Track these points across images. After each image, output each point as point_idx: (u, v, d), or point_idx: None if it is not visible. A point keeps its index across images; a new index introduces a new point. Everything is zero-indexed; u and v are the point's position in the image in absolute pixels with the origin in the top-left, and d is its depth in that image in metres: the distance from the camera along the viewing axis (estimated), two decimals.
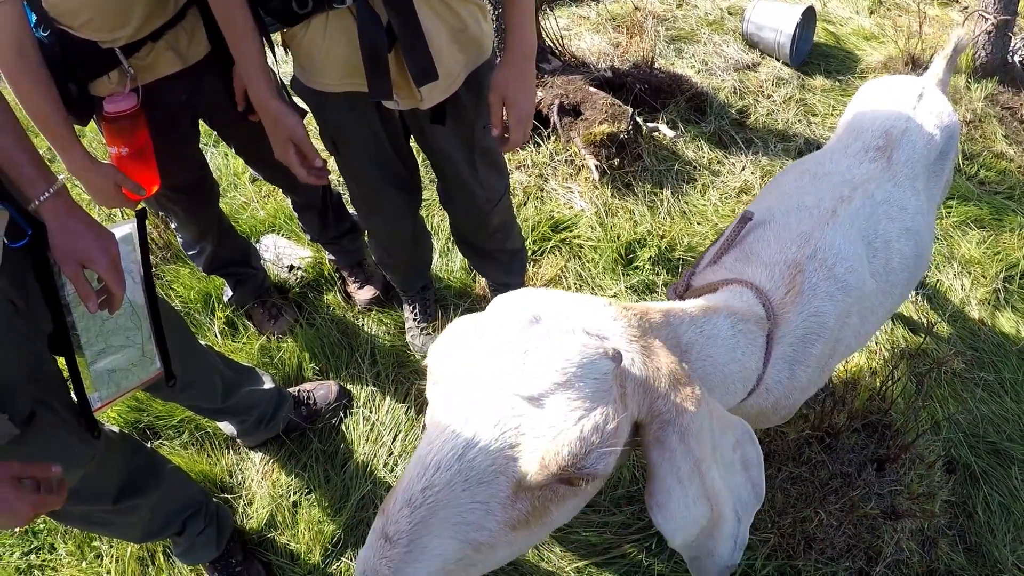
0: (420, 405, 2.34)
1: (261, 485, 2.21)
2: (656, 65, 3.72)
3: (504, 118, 1.60)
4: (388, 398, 2.39)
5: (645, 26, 3.96)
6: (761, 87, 3.73)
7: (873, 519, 2.01)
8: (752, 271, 1.32)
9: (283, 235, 2.95)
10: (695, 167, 3.21)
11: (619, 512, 2.08)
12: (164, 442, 2.32)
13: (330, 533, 2.08)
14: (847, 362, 2.44)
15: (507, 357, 0.85)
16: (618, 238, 2.84)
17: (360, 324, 2.62)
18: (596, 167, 3.05)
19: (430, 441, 0.84)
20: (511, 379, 0.84)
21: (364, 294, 2.66)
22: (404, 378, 2.44)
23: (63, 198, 1.23)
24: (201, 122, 1.99)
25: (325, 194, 2.43)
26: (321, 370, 2.50)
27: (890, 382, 2.21)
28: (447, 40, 1.52)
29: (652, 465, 0.92)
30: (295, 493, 2.18)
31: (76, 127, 1.60)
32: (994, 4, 3.65)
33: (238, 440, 2.27)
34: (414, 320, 2.52)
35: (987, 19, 3.69)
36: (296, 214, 2.58)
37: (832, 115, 3.61)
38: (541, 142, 3.23)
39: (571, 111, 3.20)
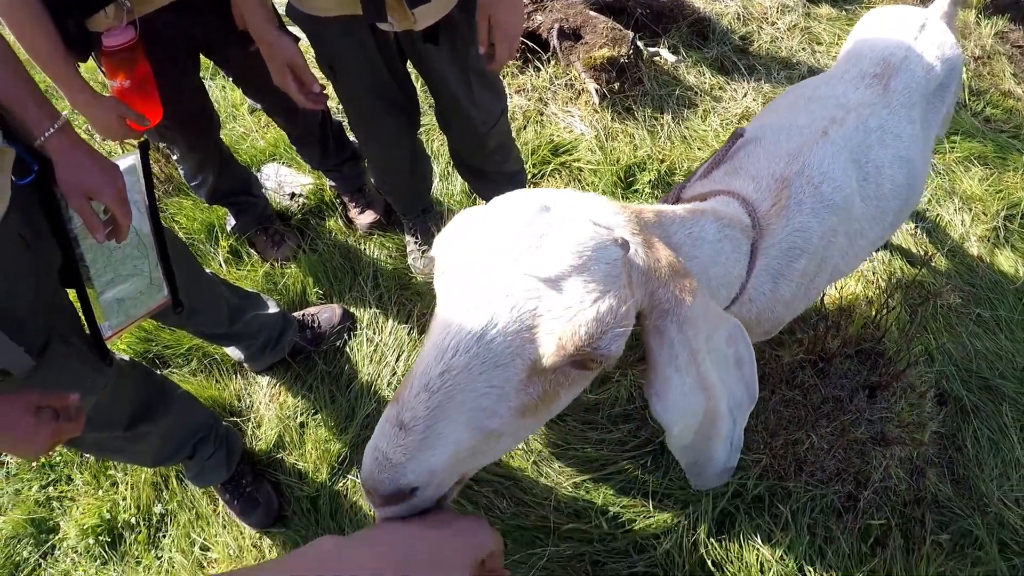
0: (422, 326, 2.40)
1: (269, 408, 2.29)
2: None
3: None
4: (391, 319, 2.44)
5: None
6: (765, 14, 3.62)
7: (863, 444, 2.06)
8: (740, 183, 1.34)
9: (284, 163, 2.95)
10: (696, 92, 3.16)
11: (616, 429, 2.16)
12: (174, 370, 2.39)
13: (336, 452, 2.17)
14: (842, 289, 2.47)
15: (524, 241, 0.85)
16: (618, 162, 2.84)
17: (362, 248, 2.66)
18: (596, 91, 3.02)
19: (446, 325, 0.83)
20: (527, 262, 0.84)
21: (365, 219, 2.69)
22: (406, 300, 2.49)
23: (67, 133, 1.25)
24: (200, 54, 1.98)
25: (325, 123, 2.42)
26: (325, 294, 2.56)
27: (885, 311, 2.23)
28: None
29: (651, 354, 0.95)
30: (302, 414, 2.26)
31: (77, 64, 1.59)
32: None
33: (245, 365, 2.34)
34: (415, 243, 2.55)
35: None
36: (295, 147, 2.57)
37: (837, 44, 3.50)
38: (541, 66, 3.18)
39: (571, 35, 3.13)
